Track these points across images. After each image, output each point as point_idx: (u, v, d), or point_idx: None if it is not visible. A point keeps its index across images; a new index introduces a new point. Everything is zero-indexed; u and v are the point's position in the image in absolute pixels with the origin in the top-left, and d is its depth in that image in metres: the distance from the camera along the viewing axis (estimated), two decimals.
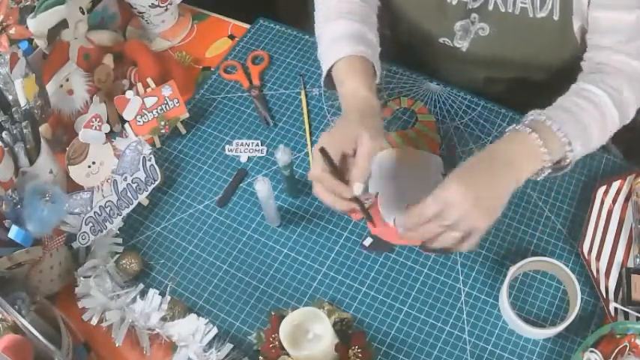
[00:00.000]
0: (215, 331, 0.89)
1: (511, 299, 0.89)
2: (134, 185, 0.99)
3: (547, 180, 1.00)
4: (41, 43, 1.05)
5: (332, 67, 0.94)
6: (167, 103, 1.07)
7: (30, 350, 0.77)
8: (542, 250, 0.95)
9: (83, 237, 0.95)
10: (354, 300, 0.92)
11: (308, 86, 1.16)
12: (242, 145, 1.10)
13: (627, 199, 0.96)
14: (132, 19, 1.29)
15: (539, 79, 1.07)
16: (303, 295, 0.94)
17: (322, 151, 0.83)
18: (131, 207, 0.99)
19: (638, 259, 0.90)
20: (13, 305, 0.81)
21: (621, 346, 0.82)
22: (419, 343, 0.88)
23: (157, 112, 1.07)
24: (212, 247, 0.99)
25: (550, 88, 0.92)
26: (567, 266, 0.88)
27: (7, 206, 0.87)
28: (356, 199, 0.83)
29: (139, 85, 1.07)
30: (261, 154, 1.08)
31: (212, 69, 1.22)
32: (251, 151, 1.09)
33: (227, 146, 1.10)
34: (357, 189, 0.82)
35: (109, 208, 0.97)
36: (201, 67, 1.24)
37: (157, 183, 1.01)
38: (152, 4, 1.21)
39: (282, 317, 0.82)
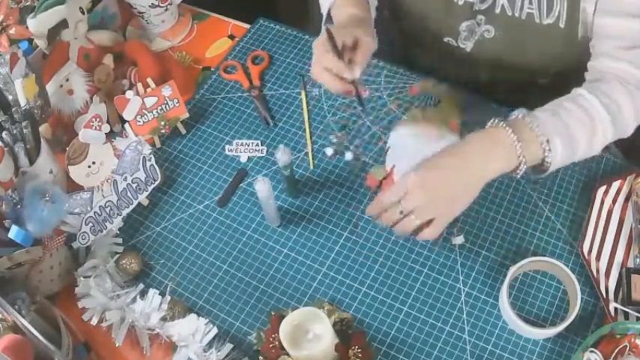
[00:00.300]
0: (215, 331, 0.89)
1: (511, 299, 0.89)
2: (134, 185, 0.99)
3: (547, 180, 1.00)
4: (41, 43, 1.05)
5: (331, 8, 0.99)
6: (167, 103, 1.07)
7: (30, 350, 0.77)
8: (542, 250, 0.95)
9: (83, 237, 0.95)
10: (354, 300, 0.92)
11: (308, 86, 1.16)
12: (242, 145, 1.10)
13: (627, 199, 0.96)
14: (132, 19, 1.29)
15: (541, 83, 1.07)
16: (303, 295, 0.94)
17: (328, 31, 0.86)
18: (131, 207, 0.99)
19: (638, 259, 0.90)
20: (13, 305, 0.81)
21: (621, 346, 0.82)
22: (419, 343, 0.88)
23: (157, 112, 1.07)
24: (212, 247, 0.99)
25: (552, 93, 0.92)
26: (567, 266, 0.88)
27: (7, 206, 0.87)
28: (353, 82, 0.88)
29: (139, 85, 1.07)
30: (261, 154, 1.08)
31: (212, 69, 1.22)
32: (251, 151, 1.09)
33: (227, 146, 1.10)
34: (357, 71, 0.87)
35: (109, 208, 0.97)
36: (201, 67, 1.24)
37: (157, 183, 1.01)
38: (152, 4, 1.21)
39: (282, 317, 0.82)
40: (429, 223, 0.82)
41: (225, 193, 1.05)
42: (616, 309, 0.87)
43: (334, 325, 0.86)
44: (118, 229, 1.00)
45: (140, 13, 1.23)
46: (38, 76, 1.02)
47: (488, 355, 0.86)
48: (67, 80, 1.10)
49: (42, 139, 0.99)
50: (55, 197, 0.88)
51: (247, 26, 1.29)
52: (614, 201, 0.96)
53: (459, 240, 0.96)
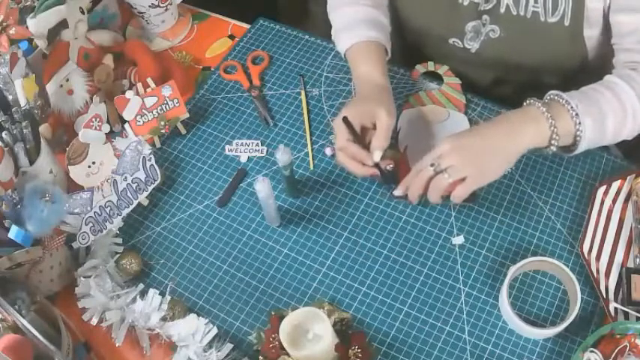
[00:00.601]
0: (215, 331, 0.89)
1: (511, 299, 0.89)
2: (134, 185, 0.99)
3: (547, 180, 1.00)
4: (41, 43, 1.05)
5: (347, 49, 1.04)
6: (167, 103, 1.07)
7: (30, 350, 0.77)
8: (542, 250, 0.95)
9: (83, 237, 0.94)
10: (354, 300, 0.92)
11: (308, 86, 1.16)
12: (242, 145, 1.10)
13: (627, 199, 0.96)
14: (132, 19, 1.29)
15: (547, 82, 1.07)
16: (303, 295, 0.94)
17: (345, 120, 0.93)
18: (131, 207, 0.99)
19: (638, 259, 0.90)
20: (13, 305, 0.81)
21: (621, 346, 0.82)
22: (419, 343, 0.88)
23: (157, 112, 1.07)
24: (212, 247, 0.99)
25: None
26: (567, 266, 0.88)
27: (7, 206, 0.87)
28: (376, 165, 0.92)
29: (139, 85, 1.07)
30: (261, 154, 1.08)
31: (212, 69, 1.22)
32: (251, 151, 1.09)
33: (227, 146, 1.10)
34: (377, 156, 0.92)
35: (109, 208, 0.97)
36: (201, 67, 1.24)
37: (156, 183, 1.01)
38: (152, 4, 1.21)
39: (282, 317, 0.82)
40: (460, 182, 0.86)
41: (225, 193, 1.05)
42: (616, 309, 0.87)
43: (334, 325, 0.86)
44: (118, 229, 1.00)
45: (140, 13, 1.23)
46: (38, 76, 1.02)
47: (488, 355, 0.86)
48: (67, 80, 1.10)
49: (42, 139, 0.99)
50: (55, 197, 0.88)
51: (247, 26, 1.29)
52: (614, 201, 0.96)
53: (459, 240, 0.96)
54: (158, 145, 1.11)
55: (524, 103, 0.91)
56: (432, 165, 0.87)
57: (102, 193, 0.97)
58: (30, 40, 1.07)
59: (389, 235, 0.97)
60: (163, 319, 0.90)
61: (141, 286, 0.95)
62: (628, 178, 0.97)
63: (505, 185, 1.01)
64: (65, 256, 0.95)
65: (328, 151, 1.07)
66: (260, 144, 1.10)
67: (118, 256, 0.97)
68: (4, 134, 0.96)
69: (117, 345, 0.90)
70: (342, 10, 1.08)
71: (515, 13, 0.99)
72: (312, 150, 1.08)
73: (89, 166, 1.03)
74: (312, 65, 1.19)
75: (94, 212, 0.96)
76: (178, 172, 1.08)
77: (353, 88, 1.12)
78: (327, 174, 1.05)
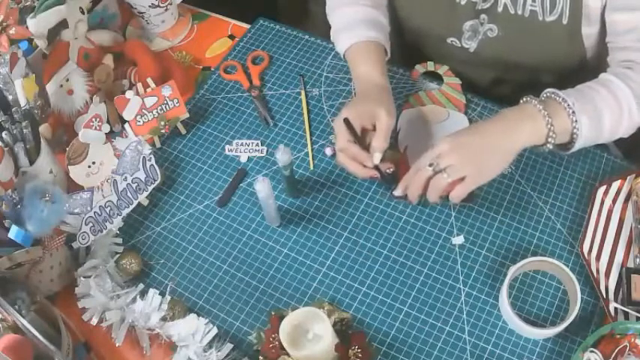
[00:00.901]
0: (215, 331, 0.89)
1: (511, 299, 0.89)
2: (134, 185, 0.99)
3: (547, 180, 1.00)
4: (41, 43, 1.05)
5: (346, 50, 1.04)
6: (167, 103, 1.07)
7: (30, 350, 0.77)
8: (542, 250, 0.95)
9: (83, 237, 0.94)
10: (354, 300, 0.92)
11: (308, 86, 1.16)
12: (242, 145, 1.10)
13: (627, 199, 0.96)
14: (132, 19, 1.29)
15: (546, 81, 1.07)
16: (303, 295, 0.94)
17: (346, 121, 0.93)
18: (131, 207, 0.99)
19: (638, 259, 0.90)
20: (13, 305, 0.81)
21: (621, 346, 0.82)
22: (419, 343, 0.88)
23: (157, 112, 1.07)
24: (212, 247, 0.99)
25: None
26: (567, 266, 0.88)
27: (7, 206, 0.87)
28: (376, 167, 0.93)
29: (139, 85, 1.07)
30: (261, 154, 1.08)
31: (212, 69, 1.22)
32: (251, 151, 1.09)
33: (227, 146, 1.10)
34: (376, 158, 0.92)
35: (109, 208, 0.97)
36: (201, 67, 1.24)
37: (156, 183, 1.01)
38: (152, 4, 1.21)
39: (282, 317, 0.82)
40: (459, 182, 0.86)
41: (225, 193, 1.04)
42: (616, 309, 0.87)
43: (334, 325, 0.86)
44: (118, 229, 1.00)
45: (140, 13, 1.23)
46: (38, 76, 1.02)
47: (488, 355, 0.86)
48: (67, 80, 1.10)
49: (42, 139, 0.99)
50: (55, 197, 0.88)
51: (247, 26, 1.29)
52: (614, 201, 0.96)
53: (459, 240, 0.96)
54: (158, 145, 1.11)
55: (521, 101, 0.92)
56: (430, 165, 0.87)
57: (102, 193, 0.97)
58: (30, 40, 1.07)
59: (389, 235, 0.97)
60: (163, 319, 0.90)
61: (141, 286, 0.95)
62: (628, 178, 0.97)
63: (505, 185, 1.01)
64: (65, 256, 0.95)
65: (328, 151, 1.07)
66: (260, 144, 1.10)
67: (118, 256, 0.97)
68: (4, 134, 0.96)
69: (117, 345, 0.90)
70: (341, 11, 1.08)
71: (512, 12, 0.99)
72: (312, 150, 1.08)
73: (89, 166, 1.03)
74: (312, 65, 1.19)
75: (94, 212, 0.96)
76: (178, 172, 1.08)
77: (353, 88, 1.13)
78: (327, 174, 1.05)
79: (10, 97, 1.00)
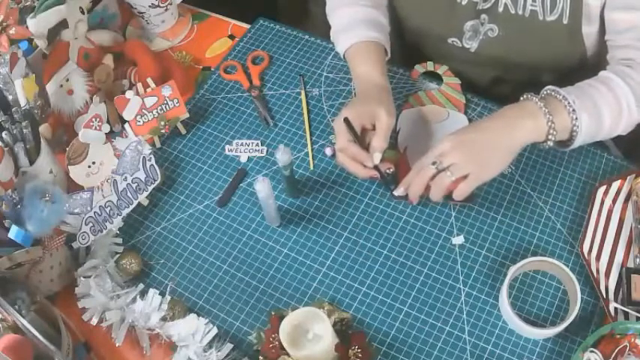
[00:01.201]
0: (215, 331, 0.89)
1: (511, 299, 0.89)
2: (134, 185, 0.99)
3: (547, 180, 1.00)
4: (41, 43, 1.05)
5: (346, 50, 1.04)
6: (167, 103, 1.07)
7: (30, 350, 0.77)
8: (542, 250, 0.95)
9: (83, 237, 0.94)
10: (354, 300, 0.92)
11: (308, 86, 1.16)
12: (242, 145, 1.10)
13: (627, 199, 0.96)
14: (132, 19, 1.29)
15: (546, 80, 1.07)
16: (303, 295, 0.94)
17: (347, 121, 0.93)
18: (131, 207, 0.99)
19: (638, 259, 0.90)
20: (13, 305, 0.81)
21: (621, 346, 0.82)
22: (419, 343, 0.88)
23: (157, 112, 1.07)
24: (212, 247, 0.99)
25: None
26: (567, 266, 0.88)
27: (7, 206, 0.87)
28: (376, 167, 0.93)
29: (139, 85, 1.07)
30: (261, 154, 1.08)
31: (212, 69, 1.22)
32: (251, 151, 1.09)
33: (227, 146, 1.10)
34: (376, 158, 0.93)
35: (109, 208, 0.97)
36: (201, 67, 1.24)
37: (156, 183, 1.01)
38: (152, 4, 1.21)
39: (282, 317, 0.82)
40: (462, 180, 0.87)
41: (225, 193, 1.04)
42: (616, 309, 0.87)
43: (334, 325, 0.86)
44: (118, 229, 1.00)
45: (140, 13, 1.23)
46: (38, 76, 1.02)
47: (488, 355, 0.86)
48: (67, 80, 1.10)
49: (42, 139, 0.99)
50: (55, 197, 0.88)
51: (247, 26, 1.29)
52: (614, 201, 0.96)
53: (459, 240, 0.96)
54: (158, 145, 1.11)
55: (522, 98, 0.92)
56: (433, 163, 0.87)
57: (102, 193, 0.97)
58: (30, 40, 1.07)
59: (389, 235, 0.97)
60: (163, 319, 0.90)
61: (141, 286, 0.95)
62: (628, 178, 0.97)
63: (505, 185, 1.01)
64: (65, 256, 0.95)
65: (328, 151, 1.07)
66: (260, 144, 1.10)
67: (118, 256, 0.97)
68: (4, 134, 0.96)
69: (117, 345, 0.90)
70: (341, 11, 1.08)
71: (513, 12, 0.99)
72: (312, 150, 1.08)
73: (89, 166, 1.03)
74: (312, 65, 1.19)
75: (94, 212, 0.96)
76: (178, 172, 1.08)
77: (353, 88, 1.13)
78: (327, 174, 1.05)
79: (10, 97, 1.00)
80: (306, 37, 1.24)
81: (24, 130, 0.96)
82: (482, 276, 0.93)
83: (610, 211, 0.96)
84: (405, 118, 1.08)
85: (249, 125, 1.13)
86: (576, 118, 0.88)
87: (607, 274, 0.90)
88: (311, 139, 1.09)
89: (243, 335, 0.91)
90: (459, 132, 0.91)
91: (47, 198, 0.87)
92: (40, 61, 1.08)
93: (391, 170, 0.96)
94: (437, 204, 0.98)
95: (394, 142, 1.04)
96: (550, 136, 0.89)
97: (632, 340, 0.81)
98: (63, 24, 1.05)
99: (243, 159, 1.08)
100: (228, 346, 0.88)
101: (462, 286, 0.92)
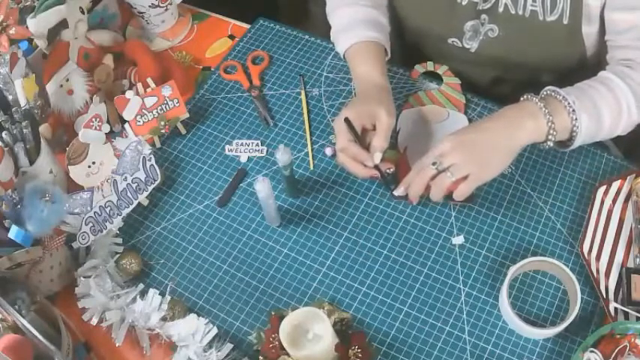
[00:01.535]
0: (215, 331, 0.89)
1: (511, 299, 0.89)
2: (134, 185, 0.99)
3: (547, 180, 1.00)
4: (41, 43, 1.05)
5: (346, 50, 1.04)
6: (167, 103, 1.07)
7: (30, 350, 0.77)
8: (542, 250, 0.95)
9: (83, 237, 0.94)
10: (354, 300, 0.92)
11: (308, 86, 1.16)
12: (242, 145, 1.10)
13: (627, 199, 0.96)
14: (132, 19, 1.29)
15: (546, 80, 1.07)
16: (303, 295, 0.94)
17: (347, 121, 0.93)
18: (131, 207, 0.99)
19: (638, 259, 0.90)
20: (13, 305, 0.81)
21: (621, 346, 0.82)
22: (419, 343, 0.88)
23: (157, 112, 1.07)
24: (212, 247, 0.99)
25: None
26: (567, 266, 0.88)
27: (7, 206, 0.87)
28: (376, 167, 0.93)
29: (139, 85, 1.07)
30: (261, 154, 1.08)
31: (212, 69, 1.22)
32: (251, 151, 1.09)
33: (227, 146, 1.10)
34: (377, 158, 0.93)
35: (109, 208, 0.97)
36: (201, 67, 1.24)
37: (156, 183, 1.01)
38: (152, 4, 1.21)
39: (282, 317, 0.82)
40: (462, 180, 0.87)
41: (225, 193, 1.04)
42: (616, 309, 0.87)
43: (334, 325, 0.86)
44: (118, 229, 1.00)
45: (140, 13, 1.23)
46: (38, 76, 1.02)
47: (488, 355, 0.86)
48: (67, 80, 1.10)
49: (42, 139, 0.99)
50: (55, 197, 0.88)
51: (247, 26, 1.29)
52: (614, 201, 0.96)
53: (459, 240, 0.96)
54: (158, 145, 1.11)
55: (522, 99, 0.92)
56: (433, 164, 0.87)
57: (102, 193, 0.97)
58: (30, 40, 1.07)
59: (389, 235, 0.97)
60: (163, 319, 0.90)
61: (141, 286, 0.95)
62: (628, 178, 0.97)
63: (505, 185, 1.01)
64: (65, 256, 0.95)
65: (328, 151, 1.07)
66: (260, 144, 1.10)
67: (118, 256, 0.97)
68: (4, 134, 0.96)
69: (117, 345, 0.90)
70: (341, 11, 1.08)
71: (513, 12, 0.99)
72: (312, 150, 1.08)
73: (89, 166, 1.03)
74: (312, 65, 1.19)
75: (94, 212, 0.96)
76: (178, 172, 1.08)
77: (353, 88, 1.13)
78: (327, 174, 1.05)
79: (10, 97, 1.00)
80: (306, 37, 1.24)
81: (24, 130, 0.96)
82: (482, 276, 0.93)
83: (610, 211, 0.96)
84: (405, 118, 1.08)
85: (249, 125, 1.13)
86: (576, 119, 0.88)
87: (607, 274, 0.90)
88: (311, 139, 1.09)
89: (243, 335, 0.91)
90: (459, 132, 0.91)
91: (47, 198, 0.87)
92: (40, 61, 1.08)
93: (391, 170, 0.96)
94: (437, 204, 0.98)
95: (394, 142, 1.04)
96: (550, 137, 0.89)
97: (632, 340, 0.82)
98: (63, 24, 1.05)
99: (243, 159, 1.08)
100: (228, 346, 0.88)
101: (462, 286, 0.92)
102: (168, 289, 0.94)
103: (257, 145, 1.09)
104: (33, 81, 1.00)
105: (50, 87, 1.07)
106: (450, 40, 1.08)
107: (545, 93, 0.92)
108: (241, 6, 1.42)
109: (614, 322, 0.84)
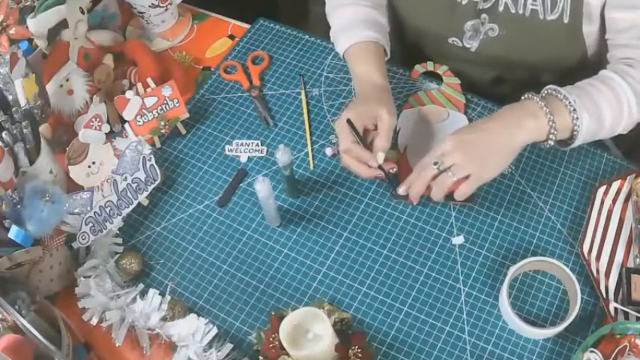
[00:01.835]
0: (215, 331, 0.89)
1: (511, 299, 0.89)
2: (134, 185, 0.99)
3: (547, 180, 1.00)
4: (41, 43, 1.05)
5: (346, 50, 1.04)
6: (167, 103, 1.07)
7: (30, 350, 0.77)
8: (542, 250, 0.95)
9: (83, 237, 0.94)
10: (354, 300, 0.92)
11: (308, 86, 1.16)
12: (242, 145, 1.10)
13: (627, 199, 0.96)
14: (132, 19, 1.29)
15: (546, 80, 1.07)
16: (303, 295, 0.94)
17: (349, 122, 0.93)
18: (131, 207, 0.99)
19: (638, 259, 0.90)
20: (13, 305, 0.81)
21: (621, 346, 0.82)
22: (419, 343, 0.88)
23: (157, 112, 1.07)
24: (212, 247, 0.99)
25: None
26: (567, 266, 0.88)
27: (7, 206, 0.87)
28: (380, 167, 0.93)
29: (139, 85, 1.07)
30: (261, 154, 1.08)
31: (212, 69, 1.22)
32: (251, 151, 1.09)
33: (227, 146, 1.10)
34: (380, 158, 0.93)
35: (109, 208, 0.97)
36: (201, 67, 1.24)
37: (156, 183, 1.01)
38: (152, 4, 1.21)
39: (282, 317, 0.82)
40: (463, 180, 0.87)
41: (225, 193, 1.04)
42: (616, 309, 0.87)
43: (334, 325, 0.86)
44: (118, 229, 1.00)
45: (140, 13, 1.23)
46: (38, 76, 1.02)
47: (488, 355, 0.86)
48: (67, 80, 1.10)
49: (42, 139, 0.99)
50: (55, 197, 0.88)
51: (247, 26, 1.29)
52: (614, 201, 0.96)
53: (459, 240, 0.96)
54: (158, 145, 1.11)
55: (522, 98, 0.92)
56: (435, 164, 0.87)
57: (102, 193, 0.97)
58: (30, 40, 1.07)
59: (389, 235, 0.97)
60: (163, 319, 0.90)
61: (141, 286, 0.95)
62: (628, 178, 0.97)
63: (505, 185, 1.01)
64: (65, 256, 0.95)
65: (328, 151, 1.07)
66: (260, 144, 1.10)
67: (118, 256, 0.97)
68: (4, 134, 0.96)
69: (117, 345, 0.90)
70: (340, 11, 1.08)
71: (513, 11, 0.99)
72: (312, 150, 1.08)
73: (89, 166, 1.03)
74: (312, 65, 1.19)
75: (94, 212, 0.96)
76: (178, 172, 1.08)
77: (353, 88, 1.13)
78: (327, 174, 1.05)
79: (10, 97, 1.00)
80: (306, 37, 1.24)
81: (24, 130, 0.96)
82: (482, 276, 0.93)
83: (610, 211, 0.96)
84: (405, 118, 1.08)
85: (249, 125, 1.13)
86: (577, 118, 0.88)
87: (607, 274, 0.90)
88: (311, 139, 1.09)
89: (243, 335, 0.91)
90: (460, 132, 0.91)
91: (47, 198, 0.87)
92: (40, 61, 1.08)
93: (394, 170, 0.96)
94: (437, 204, 0.98)
95: (394, 142, 1.04)
96: (551, 136, 0.89)
97: (632, 340, 0.82)
98: (63, 24, 1.05)
99: (243, 159, 1.08)
100: (228, 346, 0.88)
101: (462, 286, 0.92)
102: (168, 289, 0.94)
103: (257, 145, 1.09)
104: (33, 81, 1.00)
105: (50, 87, 1.07)
106: (450, 40, 1.08)
107: (545, 92, 0.92)
108: (241, 6, 1.42)
109: (614, 322, 0.84)
